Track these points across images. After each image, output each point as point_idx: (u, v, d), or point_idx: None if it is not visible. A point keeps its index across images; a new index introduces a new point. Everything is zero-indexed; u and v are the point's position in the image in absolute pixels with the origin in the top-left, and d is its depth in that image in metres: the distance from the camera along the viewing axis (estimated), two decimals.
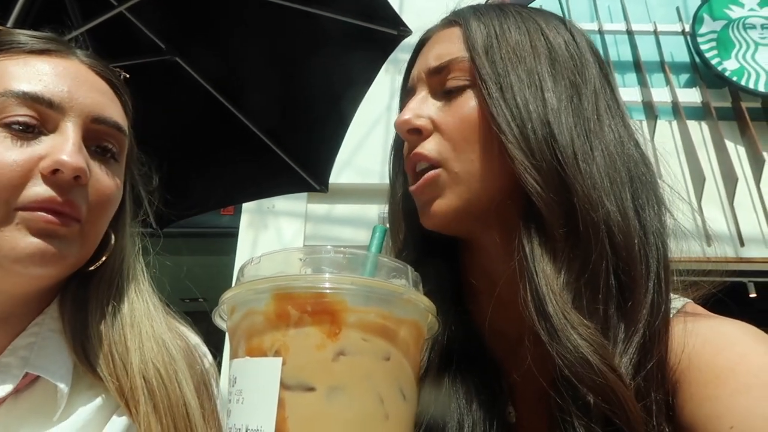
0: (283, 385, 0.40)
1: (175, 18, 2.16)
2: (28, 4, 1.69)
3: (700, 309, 0.61)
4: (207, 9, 2.13)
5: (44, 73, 0.65)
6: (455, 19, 0.67)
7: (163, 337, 0.71)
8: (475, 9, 0.67)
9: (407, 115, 0.63)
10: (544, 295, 0.55)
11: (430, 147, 0.62)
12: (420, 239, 0.69)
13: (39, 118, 0.63)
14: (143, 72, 2.07)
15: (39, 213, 0.61)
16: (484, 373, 0.64)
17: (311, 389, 0.40)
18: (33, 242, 0.60)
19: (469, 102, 0.62)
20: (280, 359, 0.40)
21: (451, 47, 0.64)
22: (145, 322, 0.71)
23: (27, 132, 0.62)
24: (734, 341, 0.54)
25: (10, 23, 1.66)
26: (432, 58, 0.65)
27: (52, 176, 0.61)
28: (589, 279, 0.56)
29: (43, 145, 0.63)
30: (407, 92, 0.69)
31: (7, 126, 0.61)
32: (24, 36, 0.68)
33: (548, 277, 0.56)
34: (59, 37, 0.71)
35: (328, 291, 0.41)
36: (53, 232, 0.62)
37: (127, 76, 0.76)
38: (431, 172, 0.62)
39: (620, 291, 0.56)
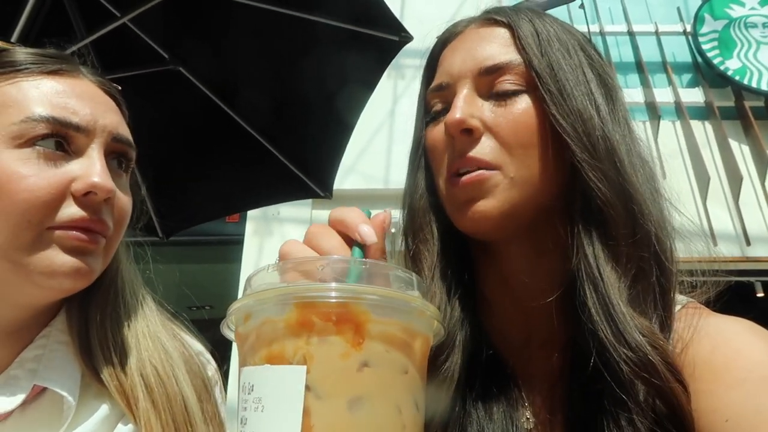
0: (309, 393, 0.40)
1: (178, 28, 2.17)
2: (33, 16, 1.70)
3: (700, 306, 0.62)
4: (210, 19, 2.14)
5: (65, 96, 0.66)
6: (500, 19, 0.66)
7: (158, 335, 0.73)
8: (516, 10, 0.67)
9: (459, 114, 0.60)
10: (611, 298, 0.55)
11: (485, 151, 0.60)
12: (441, 240, 0.67)
13: (65, 140, 0.64)
14: (144, 82, 2.08)
15: (72, 231, 0.63)
16: (499, 379, 0.64)
17: (336, 397, 0.40)
18: (67, 260, 0.63)
19: (525, 106, 0.61)
20: (304, 367, 0.40)
21: (501, 49, 0.63)
22: (140, 322, 0.73)
23: (57, 151, 0.64)
24: (731, 337, 0.56)
25: (15, 35, 1.67)
26: (482, 57, 0.63)
27: (84, 198, 0.63)
28: (644, 285, 0.58)
29: (72, 167, 0.64)
30: (440, 88, 0.66)
31: (38, 147, 0.63)
32: (34, 55, 0.68)
33: (612, 280, 0.56)
34: (66, 54, 0.72)
35: (352, 301, 0.41)
36: (84, 249, 0.64)
37: (119, 88, 0.77)
38: (485, 172, 0.60)
39: (662, 296, 0.59)
